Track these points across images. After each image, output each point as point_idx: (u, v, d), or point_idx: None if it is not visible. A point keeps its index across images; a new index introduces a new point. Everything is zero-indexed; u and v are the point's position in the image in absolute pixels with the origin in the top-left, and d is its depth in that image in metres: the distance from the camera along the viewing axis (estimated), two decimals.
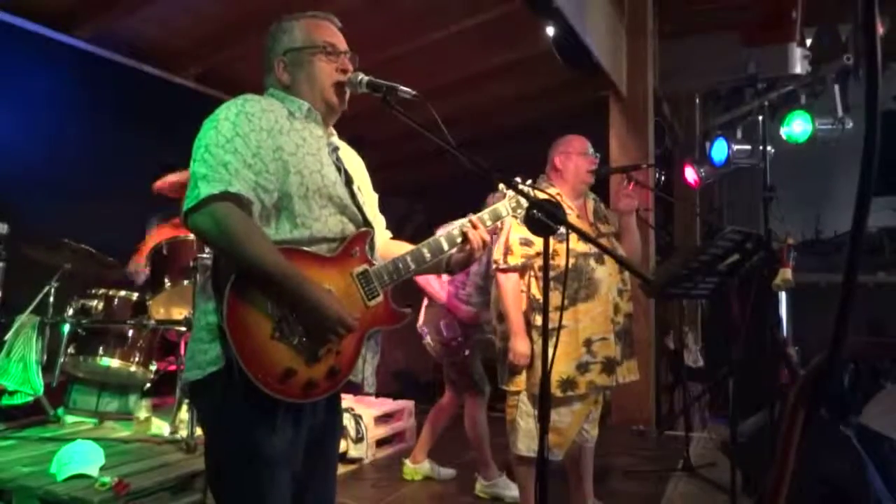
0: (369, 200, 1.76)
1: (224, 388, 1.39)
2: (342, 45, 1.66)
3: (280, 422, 1.44)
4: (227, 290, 1.37)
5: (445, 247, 1.68)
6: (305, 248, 1.47)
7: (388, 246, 1.76)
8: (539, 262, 2.59)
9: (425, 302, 3.59)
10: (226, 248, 1.39)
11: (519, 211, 1.78)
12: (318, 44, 1.61)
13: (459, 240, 1.68)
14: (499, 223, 1.84)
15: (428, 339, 3.54)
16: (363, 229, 1.59)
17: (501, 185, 1.77)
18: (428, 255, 1.65)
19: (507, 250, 2.65)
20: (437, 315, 3.49)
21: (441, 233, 1.70)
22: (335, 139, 1.69)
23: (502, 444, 3.52)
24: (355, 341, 1.53)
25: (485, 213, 1.76)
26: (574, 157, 2.73)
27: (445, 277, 3.51)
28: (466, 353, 3.47)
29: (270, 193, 1.44)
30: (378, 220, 1.80)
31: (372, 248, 1.62)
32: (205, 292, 1.48)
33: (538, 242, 2.55)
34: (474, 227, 1.68)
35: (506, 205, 1.79)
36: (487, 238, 1.70)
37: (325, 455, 1.66)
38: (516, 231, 2.64)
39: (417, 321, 3.62)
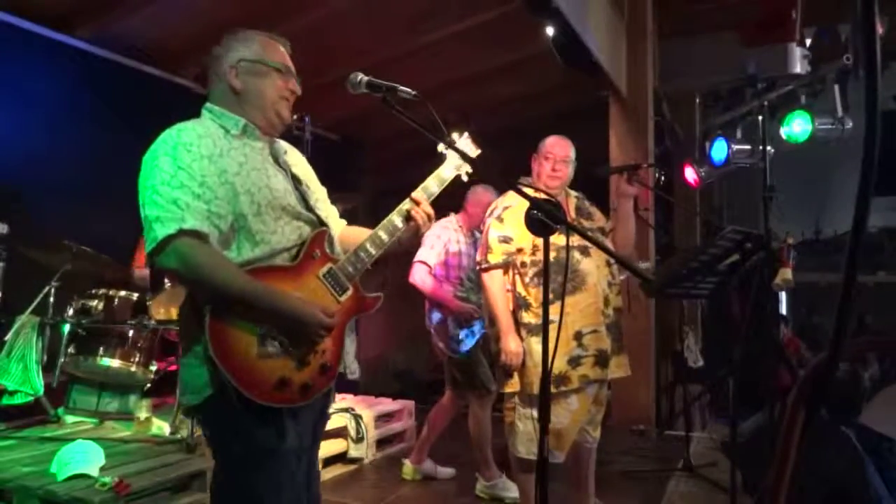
0: (320, 195, 1.79)
1: (220, 403, 1.45)
2: (293, 68, 1.69)
3: (283, 420, 1.50)
4: (206, 320, 1.41)
5: (399, 224, 1.73)
6: (268, 264, 1.51)
7: (346, 233, 1.81)
8: (521, 258, 2.60)
9: (427, 304, 3.59)
10: (195, 282, 1.45)
11: (463, 168, 1.82)
12: (275, 62, 1.64)
13: (406, 214, 1.73)
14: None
15: (437, 339, 3.53)
16: (319, 230, 1.62)
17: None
18: (385, 237, 1.70)
19: (487, 249, 2.63)
20: (443, 314, 3.48)
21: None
22: (279, 143, 1.71)
23: (503, 444, 3.52)
24: (337, 336, 1.60)
25: (429, 181, 1.81)
26: (539, 160, 2.70)
27: (438, 272, 3.50)
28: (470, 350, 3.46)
29: (224, 219, 1.47)
30: (331, 212, 1.84)
31: (331, 244, 1.66)
32: (188, 320, 1.52)
33: (517, 238, 2.56)
34: (417, 203, 1.73)
35: (448, 166, 1.83)
36: (430, 211, 1.75)
37: (315, 436, 1.72)
38: (495, 229, 2.63)
39: (425, 323, 3.61)
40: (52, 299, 3.51)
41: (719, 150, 5.57)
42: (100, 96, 4.37)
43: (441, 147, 1.81)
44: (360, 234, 1.75)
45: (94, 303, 3.57)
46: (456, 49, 4.96)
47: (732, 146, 5.53)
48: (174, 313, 3.57)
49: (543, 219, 1.56)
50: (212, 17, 4.40)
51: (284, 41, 1.72)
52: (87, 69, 4.43)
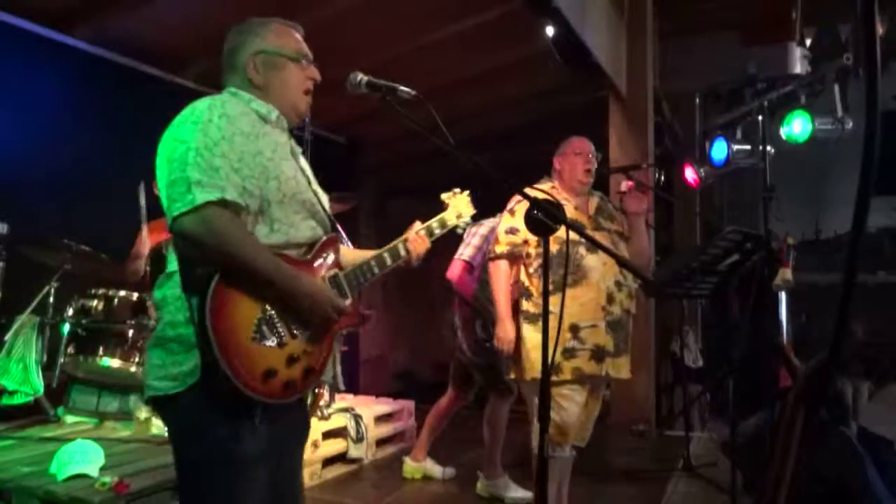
0: (325, 201, 1.77)
1: (196, 395, 1.39)
2: (310, 54, 1.68)
3: (252, 425, 1.44)
4: (209, 293, 1.36)
5: (403, 253, 1.79)
6: (280, 251, 1.50)
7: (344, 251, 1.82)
8: (526, 249, 2.70)
9: (457, 304, 3.57)
10: (218, 251, 1.38)
11: (462, 221, 1.95)
12: (292, 50, 1.63)
13: (406, 246, 1.80)
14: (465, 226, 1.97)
15: (461, 339, 3.50)
16: (332, 235, 1.64)
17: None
18: (389, 261, 1.75)
19: (496, 240, 2.77)
20: (472, 316, 3.47)
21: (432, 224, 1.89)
22: (293, 142, 1.71)
23: (507, 442, 3.52)
24: (326, 341, 1.56)
25: (433, 222, 1.90)
26: (570, 158, 2.77)
27: (477, 273, 3.50)
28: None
29: (255, 198, 1.46)
30: None
31: (338, 253, 1.67)
32: (173, 301, 1.46)
33: (523, 230, 2.59)
34: (416, 238, 1.80)
35: (451, 214, 1.95)
36: (422, 251, 1.82)
37: (294, 458, 1.68)
38: (505, 222, 2.75)
39: (437, 321, 3.60)
40: (51, 299, 3.51)
41: (719, 150, 5.58)
42: (100, 96, 4.37)
43: (444, 196, 1.96)
44: (353, 253, 1.79)
45: (94, 303, 3.57)
46: (456, 49, 4.95)
47: (732, 146, 5.54)
48: None
49: (543, 219, 1.57)
50: (212, 16, 4.40)
51: (297, 26, 1.70)
52: (87, 69, 4.42)
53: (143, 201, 3.72)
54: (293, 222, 1.53)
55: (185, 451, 1.49)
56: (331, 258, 1.61)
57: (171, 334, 1.44)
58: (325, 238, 1.60)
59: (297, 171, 1.58)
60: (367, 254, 1.76)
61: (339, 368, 1.67)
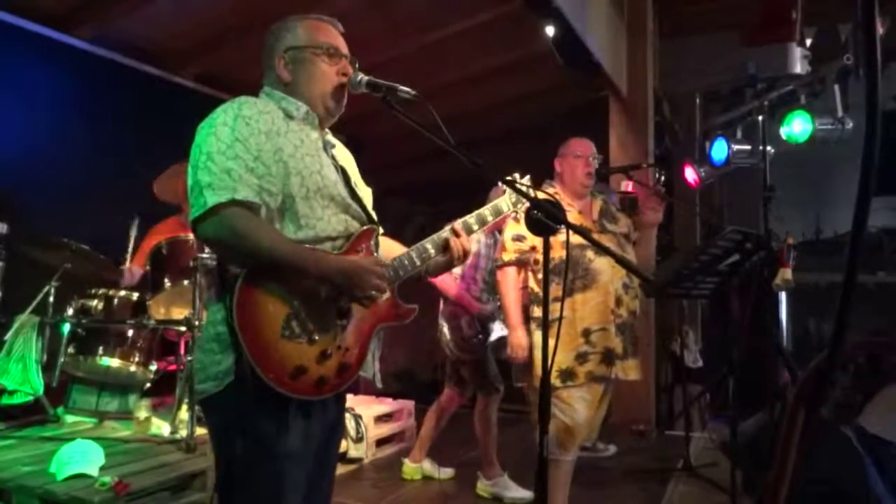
0: (365, 196, 1.76)
1: (236, 393, 1.41)
2: (344, 48, 1.66)
3: (291, 420, 1.45)
4: (235, 291, 1.38)
5: (446, 236, 1.71)
6: (311, 247, 1.49)
7: (382, 243, 1.77)
8: (534, 256, 2.68)
9: (442, 301, 3.59)
10: (238, 248, 1.40)
11: (520, 206, 1.82)
12: (321, 44, 1.61)
13: (446, 242, 1.70)
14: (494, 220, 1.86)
15: (447, 337, 3.52)
16: (368, 227, 1.61)
17: (502, 184, 1.78)
18: (432, 251, 1.68)
19: (502, 247, 2.76)
20: (457, 313, 3.48)
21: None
22: (329, 137, 1.70)
23: (507, 442, 3.52)
24: (363, 337, 1.55)
25: (485, 210, 1.80)
26: (570, 160, 2.78)
27: (457, 272, 3.51)
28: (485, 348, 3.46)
29: (275, 196, 1.46)
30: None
31: (377, 245, 1.64)
32: (213, 302, 1.50)
33: (531, 237, 2.63)
34: (457, 234, 1.71)
35: (506, 200, 1.83)
36: (469, 247, 1.72)
37: (329, 454, 1.68)
38: (511, 229, 2.74)
39: (436, 319, 3.61)
40: (51, 299, 3.51)
41: (719, 150, 5.57)
42: (100, 96, 4.37)
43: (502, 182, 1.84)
44: (395, 245, 1.74)
45: (94, 302, 3.57)
46: (456, 49, 4.95)
47: (732, 146, 5.53)
48: (174, 313, 3.57)
49: (543, 219, 1.57)
50: (212, 17, 4.41)
51: (334, 21, 1.68)
52: (87, 69, 4.43)
53: (133, 233, 3.84)
54: (322, 217, 1.51)
55: (225, 449, 1.49)
56: (367, 250, 1.58)
57: (211, 333, 1.46)
58: (360, 231, 1.58)
59: (327, 167, 1.56)
60: (400, 246, 1.72)
61: (377, 365, 1.65)
